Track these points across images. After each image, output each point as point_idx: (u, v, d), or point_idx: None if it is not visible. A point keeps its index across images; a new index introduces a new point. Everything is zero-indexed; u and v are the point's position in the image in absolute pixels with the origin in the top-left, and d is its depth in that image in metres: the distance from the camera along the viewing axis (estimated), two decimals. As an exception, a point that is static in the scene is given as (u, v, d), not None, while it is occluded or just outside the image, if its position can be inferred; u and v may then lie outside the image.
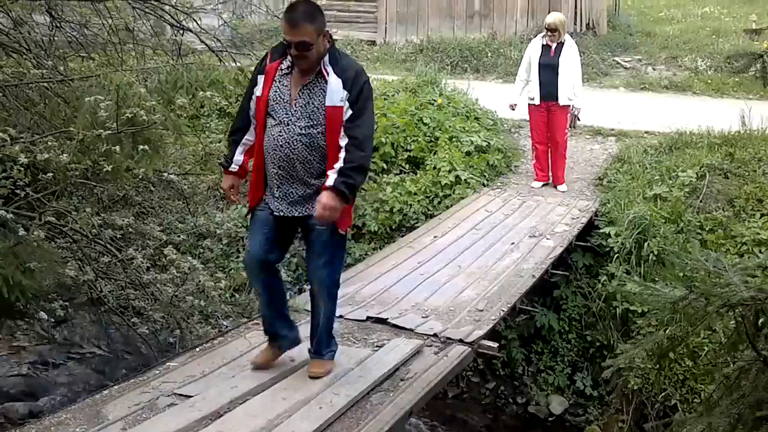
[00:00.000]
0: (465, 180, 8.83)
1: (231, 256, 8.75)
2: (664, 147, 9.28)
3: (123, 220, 5.26)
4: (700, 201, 8.00)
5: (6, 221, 4.59)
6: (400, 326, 4.99)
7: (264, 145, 4.07)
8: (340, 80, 3.91)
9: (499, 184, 9.20)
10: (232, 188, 4.31)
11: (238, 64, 5.97)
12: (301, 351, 4.28)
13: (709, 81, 13.68)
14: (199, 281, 4.96)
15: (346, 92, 3.91)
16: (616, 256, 7.41)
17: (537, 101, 8.51)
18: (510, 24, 16.66)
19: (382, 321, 5.09)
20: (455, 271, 6.30)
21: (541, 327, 7.73)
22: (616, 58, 15.77)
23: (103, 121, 4.17)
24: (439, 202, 8.70)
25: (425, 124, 9.75)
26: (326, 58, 3.95)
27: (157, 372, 4.18)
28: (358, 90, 3.93)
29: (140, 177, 4.94)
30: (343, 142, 3.92)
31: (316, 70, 3.95)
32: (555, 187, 8.87)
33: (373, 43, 17.24)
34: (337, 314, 5.15)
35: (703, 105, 12.05)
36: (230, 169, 4.26)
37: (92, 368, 6.68)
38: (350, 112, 3.94)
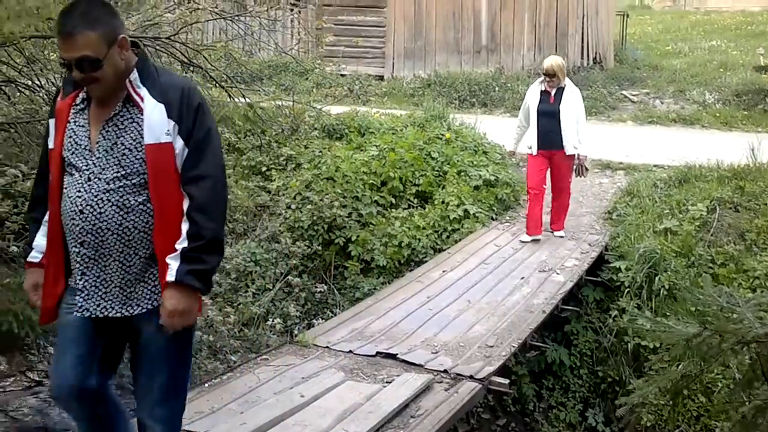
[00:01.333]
0: (473, 214, 8.82)
1: (239, 291, 8.73)
2: (674, 180, 9.26)
3: (132, 255, 5.24)
4: (711, 235, 7.95)
5: (16, 257, 4.60)
6: (409, 362, 4.96)
7: (61, 214, 2.84)
8: (161, 106, 2.77)
9: (507, 218, 9.18)
10: (36, 287, 2.96)
11: (248, 100, 6.02)
12: (310, 387, 4.25)
13: (718, 114, 13.68)
14: (208, 316, 4.93)
15: (173, 123, 2.77)
16: (626, 290, 7.36)
17: (535, 150, 7.96)
18: (517, 58, 16.77)
19: (392, 356, 5.06)
20: (465, 306, 6.27)
21: (552, 362, 7.65)
22: (624, 92, 15.82)
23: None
24: (448, 237, 8.69)
25: (433, 158, 9.79)
26: (134, 77, 2.80)
27: (166, 408, 4.14)
28: (193, 117, 2.79)
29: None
30: (185, 204, 2.79)
31: (121, 97, 2.80)
32: (552, 232, 8.44)
33: (381, 78, 17.37)
34: (347, 349, 5.14)
35: (711, 138, 12.05)
36: (30, 259, 2.99)
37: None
38: (186, 151, 2.80)
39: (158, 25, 6.05)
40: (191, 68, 6.52)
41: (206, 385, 4.43)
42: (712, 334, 2.39)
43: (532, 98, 8.08)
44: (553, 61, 7.92)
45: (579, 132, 7.90)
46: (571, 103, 7.84)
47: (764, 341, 2.33)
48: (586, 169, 8.36)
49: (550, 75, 7.82)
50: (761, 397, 2.42)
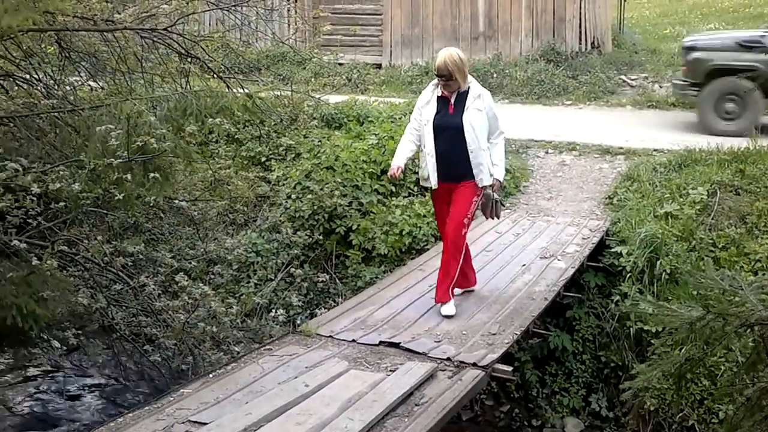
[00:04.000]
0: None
1: (241, 282, 8.74)
2: (674, 164, 9.22)
3: (134, 248, 5.25)
4: (712, 218, 7.94)
5: (19, 251, 4.60)
6: (413, 350, 4.97)
7: None
8: None
9: (508, 204, 9.16)
10: None
11: (246, 90, 6.00)
12: (314, 376, 4.26)
13: (716, 97, 13.62)
14: (211, 307, 4.94)
15: None
16: (628, 275, 7.36)
17: (434, 183, 5.76)
18: (515, 44, 16.69)
19: (395, 345, 5.07)
20: (467, 294, 6.26)
21: (554, 348, 7.66)
22: (622, 77, 15.75)
23: (114, 149, 4.19)
24: (449, 224, 8.67)
25: (433, 146, 9.75)
26: None
27: (171, 399, 4.16)
28: None
29: (151, 204, 4.93)
30: None
31: None
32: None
33: (379, 66, 17.30)
34: (350, 339, 5.15)
35: (711, 122, 11.99)
36: None
37: (105, 397, 6.65)
38: None
39: (155, 16, 6.02)
40: (189, 59, 6.50)
41: (211, 375, 4.44)
42: (715, 318, 2.39)
43: (426, 108, 5.80)
44: (447, 56, 5.55)
45: (493, 155, 5.83)
46: (478, 113, 5.67)
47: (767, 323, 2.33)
48: (502, 205, 6.33)
49: (445, 76, 5.56)
50: (765, 380, 2.42)
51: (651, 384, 3.25)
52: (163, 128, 4.35)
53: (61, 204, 4.44)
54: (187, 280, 4.96)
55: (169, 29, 5.92)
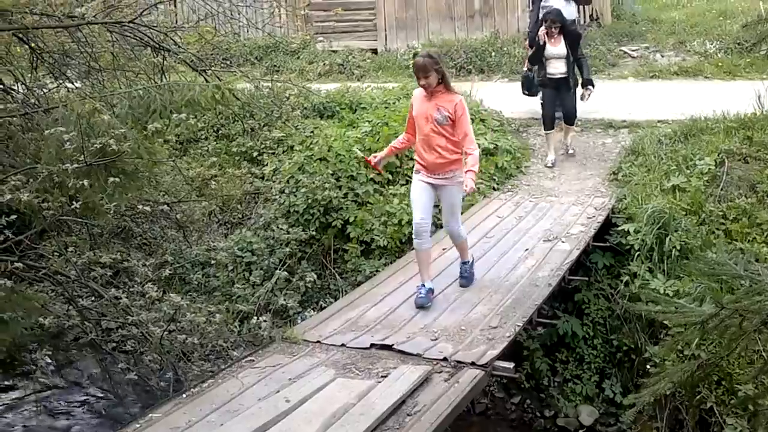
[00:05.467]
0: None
1: (237, 283, 8.44)
2: (679, 135, 8.87)
3: (110, 258, 4.94)
4: (721, 189, 7.60)
5: (16, 270, 4.30)
6: (406, 352, 4.64)
7: None
8: None
9: (509, 186, 8.84)
10: None
11: (221, 81, 5.66)
12: (297, 390, 3.94)
13: (720, 64, 13.22)
14: (186, 317, 4.63)
15: None
16: (637, 254, 7.04)
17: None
18: (512, 21, 16.26)
19: (388, 347, 4.74)
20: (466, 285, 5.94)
21: (564, 334, 7.35)
22: (623, 48, 15.32)
23: (70, 154, 3.86)
24: (449, 211, 8.33)
25: (429, 130, 9.41)
26: None
27: (138, 426, 3.82)
28: None
29: (122, 210, 4.62)
30: None
31: None
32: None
33: (375, 51, 16.92)
34: (339, 343, 4.83)
35: (715, 89, 11.59)
36: None
37: (95, 412, 6.38)
38: None
39: (119, 8, 5.69)
40: (162, 52, 6.16)
41: (184, 395, 4.11)
42: (730, 315, 2.05)
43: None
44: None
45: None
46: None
47: (793, 319, 1.99)
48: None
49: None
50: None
51: (659, 395, 2.93)
52: (123, 127, 4.02)
53: (13, 217, 4.14)
54: (156, 291, 4.65)
55: (135, 21, 5.58)
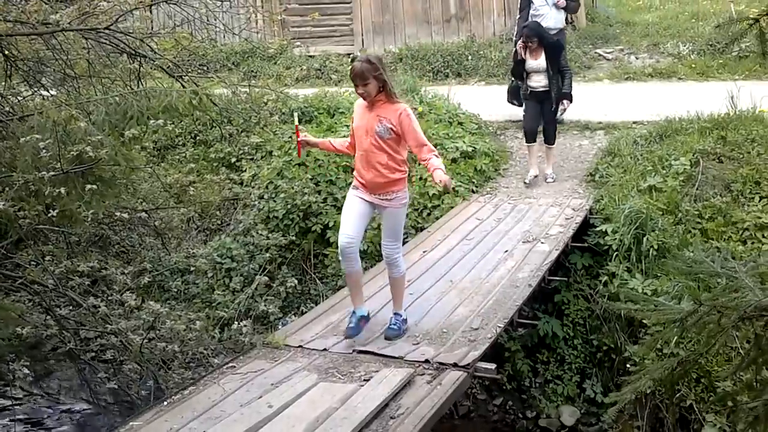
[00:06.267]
0: (453, 188, 8.49)
1: (217, 290, 8.40)
2: (654, 136, 8.96)
3: (88, 266, 4.89)
4: (697, 189, 7.68)
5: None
6: (388, 355, 4.64)
7: None
8: None
9: (488, 189, 8.88)
10: None
11: (198, 87, 5.64)
12: (279, 395, 3.92)
13: (693, 65, 13.39)
14: (166, 325, 4.59)
15: None
16: (615, 254, 7.10)
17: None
18: (488, 25, 16.35)
19: (370, 351, 4.73)
20: (447, 287, 5.97)
21: (544, 335, 7.39)
22: (598, 50, 15.46)
23: (46, 162, 3.82)
24: (429, 214, 8.37)
25: (407, 134, 9.42)
26: None
27: (119, 435, 3.80)
28: None
29: (103, 216, 4.58)
30: None
31: None
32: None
33: (352, 56, 16.94)
34: (321, 347, 4.82)
35: (689, 90, 11.74)
36: None
37: (75, 423, 6.30)
38: None
39: (95, 15, 5.64)
40: (138, 58, 6.13)
41: (165, 403, 4.08)
42: (709, 311, 2.08)
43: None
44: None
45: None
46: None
47: (770, 314, 2.02)
48: None
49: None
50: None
51: (639, 393, 2.96)
52: (100, 134, 3.98)
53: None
54: (135, 299, 4.61)
55: (110, 28, 5.54)
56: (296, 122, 5.28)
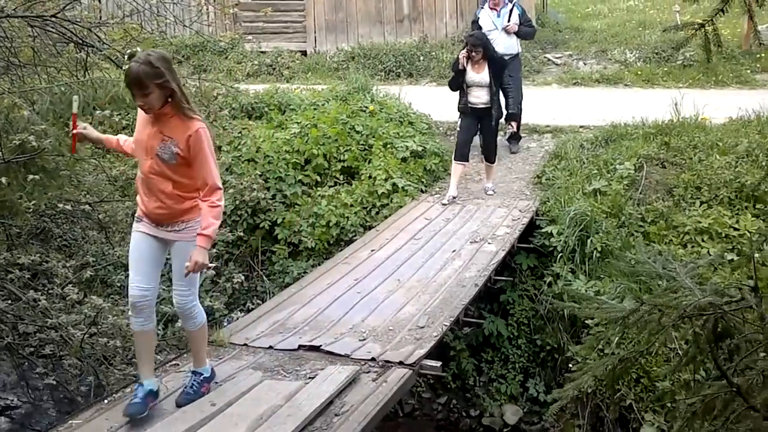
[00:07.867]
0: (402, 187, 8.53)
1: (163, 284, 8.25)
2: (600, 140, 9.14)
3: (28, 259, 4.77)
4: (640, 193, 7.86)
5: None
6: (334, 353, 4.63)
7: None
8: None
9: (437, 189, 8.93)
10: None
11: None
12: (223, 393, 3.87)
13: (639, 72, 13.69)
14: (114, 322, 4.50)
15: None
16: (560, 255, 7.21)
17: None
18: (440, 26, 16.48)
19: (316, 348, 4.72)
20: (394, 286, 5.98)
21: (489, 334, 7.47)
22: (547, 55, 15.70)
23: (-14, 151, 3.71)
24: (377, 213, 8.38)
25: (358, 132, 9.44)
26: None
27: (58, 432, 3.70)
28: None
29: (45, 208, 4.46)
30: None
31: None
32: None
33: (304, 53, 16.85)
34: (267, 345, 4.78)
35: (635, 96, 12.01)
36: None
37: (11, 420, 6.12)
38: None
39: (42, 2, 5.50)
40: (85, 47, 5.99)
41: (106, 401, 3.99)
42: (650, 310, 2.14)
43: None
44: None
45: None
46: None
47: (709, 314, 2.08)
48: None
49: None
50: (708, 386, 2.17)
51: (581, 392, 3.01)
52: (44, 124, 3.87)
53: None
54: (77, 293, 4.51)
55: (57, 15, 5.40)
56: (74, 110, 4.08)
